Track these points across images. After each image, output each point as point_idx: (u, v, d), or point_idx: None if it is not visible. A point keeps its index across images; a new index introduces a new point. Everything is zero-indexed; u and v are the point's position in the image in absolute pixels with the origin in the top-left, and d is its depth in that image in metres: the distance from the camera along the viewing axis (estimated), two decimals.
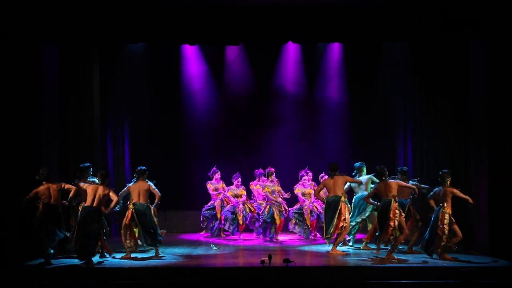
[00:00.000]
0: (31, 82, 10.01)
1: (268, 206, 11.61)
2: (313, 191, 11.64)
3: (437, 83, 11.48)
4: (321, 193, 10.81)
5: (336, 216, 10.10)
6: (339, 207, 10.11)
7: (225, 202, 12.14)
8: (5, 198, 9.63)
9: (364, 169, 11.01)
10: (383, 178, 9.75)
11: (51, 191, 9.30)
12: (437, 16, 10.04)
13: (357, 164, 11.03)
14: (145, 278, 8.76)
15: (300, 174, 11.86)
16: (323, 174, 11.45)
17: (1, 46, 9.76)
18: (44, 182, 9.30)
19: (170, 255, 10.10)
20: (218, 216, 12.05)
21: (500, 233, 9.79)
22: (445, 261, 9.34)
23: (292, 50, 13.58)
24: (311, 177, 11.86)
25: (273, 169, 11.79)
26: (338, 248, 10.28)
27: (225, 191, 12.18)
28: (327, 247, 10.50)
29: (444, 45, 11.03)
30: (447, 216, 9.40)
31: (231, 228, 11.90)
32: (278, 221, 11.62)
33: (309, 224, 11.70)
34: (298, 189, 11.83)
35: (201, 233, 12.55)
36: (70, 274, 8.83)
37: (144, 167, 9.99)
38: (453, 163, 10.65)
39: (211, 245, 11.08)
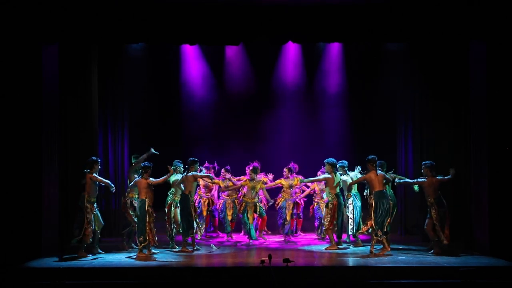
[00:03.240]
0: (31, 82, 10.00)
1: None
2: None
3: (437, 83, 11.49)
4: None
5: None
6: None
7: (211, 201, 12.14)
8: (5, 197, 9.63)
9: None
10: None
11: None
12: (437, 16, 10.04)
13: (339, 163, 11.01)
14: (145, 278, 8.76)
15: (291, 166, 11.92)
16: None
17: (1, 46, 9.77)
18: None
19: (170, 255, 10.11)
20: (204, 214, 12.06)
21: (500, 233, 9.80)
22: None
23: (292, 50, 13.59)
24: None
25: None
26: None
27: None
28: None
29: (444, 45, 11.04)
30: None
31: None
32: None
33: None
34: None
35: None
36: (70, 274, 8.82)
37: (192, 158, 10.43)
38: (453, 163, 10.62)
39: (211, 245, 11.09)
